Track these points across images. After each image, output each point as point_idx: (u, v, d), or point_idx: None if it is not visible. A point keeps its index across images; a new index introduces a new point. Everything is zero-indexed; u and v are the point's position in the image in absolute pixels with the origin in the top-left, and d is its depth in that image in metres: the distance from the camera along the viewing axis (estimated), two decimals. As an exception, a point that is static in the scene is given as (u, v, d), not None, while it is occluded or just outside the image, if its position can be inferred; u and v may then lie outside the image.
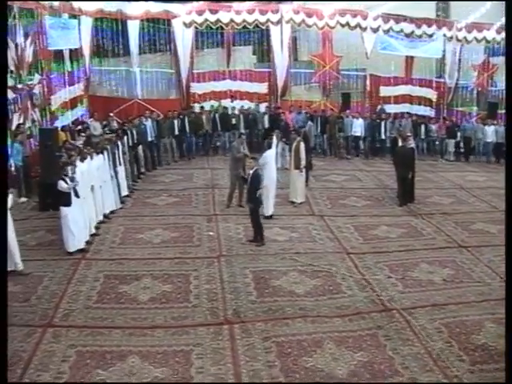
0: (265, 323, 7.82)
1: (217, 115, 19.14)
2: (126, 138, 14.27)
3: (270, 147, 13.02)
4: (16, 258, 9.05)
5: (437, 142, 20.56)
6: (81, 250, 10.11)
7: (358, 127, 19.43)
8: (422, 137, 20.17)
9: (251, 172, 11.09)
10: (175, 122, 17.83)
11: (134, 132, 15.27)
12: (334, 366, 6.85)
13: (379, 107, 22.05)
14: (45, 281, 8.95)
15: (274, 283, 9.10)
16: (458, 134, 20.41)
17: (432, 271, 9.91)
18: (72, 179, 9.95)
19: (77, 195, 10.05)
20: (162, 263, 9.80)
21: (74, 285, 8.84)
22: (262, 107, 20.36)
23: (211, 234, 11.29)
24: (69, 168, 10.21)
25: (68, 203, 9.91)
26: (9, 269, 8.90)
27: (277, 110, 19.95)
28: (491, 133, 20.15)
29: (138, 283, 8.95)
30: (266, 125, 19.16)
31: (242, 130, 18.36)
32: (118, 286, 8.85)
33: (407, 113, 21.07)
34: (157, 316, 7.95)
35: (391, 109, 22.02)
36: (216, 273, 9.44)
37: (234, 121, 19.05)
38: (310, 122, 18.22)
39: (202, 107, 19.63)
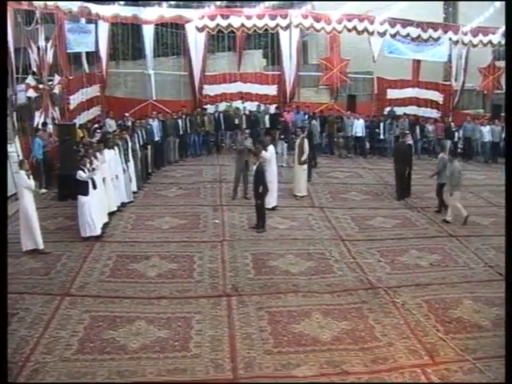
0: (260, 296, 8.64)
1: (221, 115, 20.04)
2: (136, 136, 14.99)
3: (270, 144, 13.75)
4: (37, 237, 9.97)
5: (433, 142, 21.17)
6: (96, 237, 10.86)
7: (359, 127, 20.19)
8: (419, 137, 20.79)
9: (255, 167, 11.91)
10: (179, 122, 18.62)
11: (144, 132, 16.00)
12: (319, 332, 7.64)
13: (389, 109, 22.73)
14: (63, 258, 9.88)
15: (271, 264, 9.93)
16: (456, 134, 21.01)
17: (420, 256, 10.64)
18: (93, 169, 10.79)
19: (94, 186, 10.87)
20: (170, 246, 10.69)
21: (89, 262, 9.76)
22: (272, 109, 21.23)
23: (216, 221, 12.17)
24: (87, 161, 11.03)
25: (86, 193, 10.72)
26: (30, 248, 9.92)
27: (277, 111, 20.92)
28: (487, 132, 20.80)
29: (147, 262, 9.84)
30: (267, 124, 20.02)
31: (242, 131, 19.16)
32: (128, 264, 9.75)
33: (404, 113, 21.75)
34: (163, 289, 8.81)
35: (399, 111, 22.71)
36: (218, 254, 10.31)
37: (236, 121, 19.93)
38: (313, 121, 19.02)
39: (204, 108, 20.63)
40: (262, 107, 21.06)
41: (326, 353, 7.16)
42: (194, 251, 10.43)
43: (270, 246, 10.86)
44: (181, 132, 18.63)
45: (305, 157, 13.90)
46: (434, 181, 16.97)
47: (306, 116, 20.67)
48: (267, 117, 20.42)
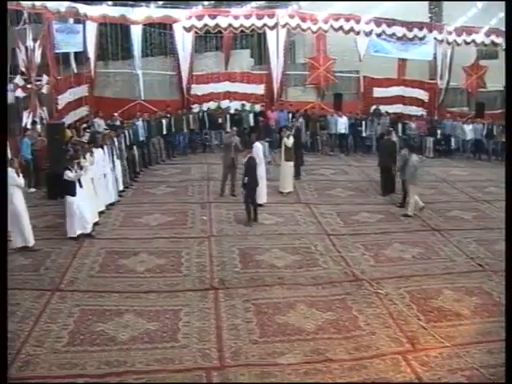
0: (246, 289, 8.86)
1: (205, 115, 20.23)
2: (123, 136, 15.02)
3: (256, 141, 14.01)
4: (27, 234, 10.09)
5: (415, 140, 21.35)
6: (86, 235, 10.93)
7: (342, 125, 20.49)
8: (401, 134, 20.87)
9: (244, 160, 12.19)
10: (163, 122, 18.72)
11: (130, 132, 16.03)
12: (304, 322, 7.87)
13: (374, 107, 23.02)
14: (52, 255, 10.01)
15: (257, 258, 10.16)
16: (438, 131, 21.39)
17: (403, 250, 10.91)
18: (81, 168, 10.89)
19: (81, 185, 10.92)
20: (158, 242, 10.87)
21: (78, 259, 9.92)
22: (257, 107, 21.51)
23: (204, 218, 12.37)
24: (75, 161, 11.12)
25: (73, 193, 10.77)
26: (20, 245, 10.04)
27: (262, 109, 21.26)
28: (469, 131, 21.20)
29: (135, 257, 10.02)
30: (252, 123, 20.32)
31: (228, 129, 19.43)
32: (117, 259, 9.92)
33: (386, 112, 22.17)
34: (151, 283, 8.99)
35: (385, 109, 23.00)
36: (206, 250, 10.52)
37: (220, 120, 20.14)
38: (301, 119, 19.24)
39: (191, 108, 20.93)
40: (247, 106, 21.28)
41: (311, 342, 7.39)
42: (181, 247, 10.61)
43: (256, 241, 11.08)
44: (164, 132, 18.72)
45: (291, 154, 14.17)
46: (420, 177, 17.36)
47: (290, 115, 20.91)
48: (251, 116, 20.67)
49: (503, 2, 9.75)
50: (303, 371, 6.72)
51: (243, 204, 12.32)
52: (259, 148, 13.30)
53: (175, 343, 7.24)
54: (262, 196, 13.23)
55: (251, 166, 12.07)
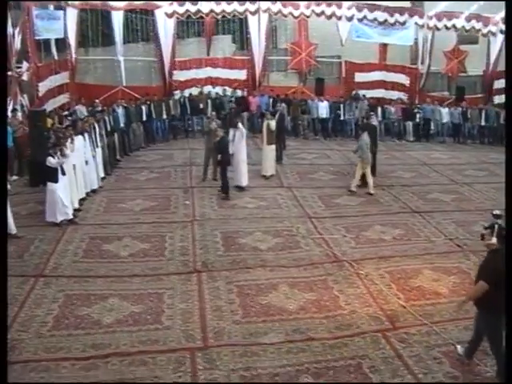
0: (229, 271, 8.99)
1: (186, 100, 20.22)
2: (103, 122, 14.88)
3: (235, 126, 14.03)
4: (10, 223, 10.06)
5: (395, 124, 21.70)
6: (69, 220, 10.95)
7: (323, 109, 20.58)
8: (380, 118, 21.13)
9: (218, 139, 12.74)
10: (143, 108, 18.62)
11: (111, 118, 15.91)
12: (286, 303, 8.03)
13: (354, 92, 23.17)
14: (36, 242, 10.03)
15: (240, 241, 10.28)
16: (418, 115, 21.65)
17: (384, 231, 11.11)
18: (64, 155, 10.87)
19: (63, 173, 10.94)
20: (142, 227, 10.93)
21: (62, 245, 9.94)
22: (239, 93, 21.60)
23: (187, 202, 12.47)
24: (58, 148, 11.09)
25: (55, 180, 10.75)
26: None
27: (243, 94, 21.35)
28: (446, 114, 21.55)
29: (119, 242, 10.08)
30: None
31: (209, 115, 19.45)
32: (101, 245, 9.97)
33: (363, 96, 22.36)
34: (135, 267, 9.08)
35: (367, 94, 23.19)
36: (189, 234, 10.61)
37: (201, 105, 20.14)
38: (283, 104, 19.30)
39: (172, 93, 20.92)
40: (228, 91, 21.29)
41: (292, 321, 7.55)
42: (165, 231, 10.70)
43: (238, 224, 11.20)
44: (144, 118, 18.63)
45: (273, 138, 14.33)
46: (401, 161, 17.69)
47: (271, 99, 20.96)
48: (232, 101, 20.61)
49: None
50: (285, 350, 6.87)
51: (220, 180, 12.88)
52: (243, 131, 13.44)
53: (159, 325, 7.35)
54: (244, 179, 13.43)
55: (223, 145, 12.69)
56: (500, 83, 24.32)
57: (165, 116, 19.57)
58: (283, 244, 10.22)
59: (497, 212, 7.10)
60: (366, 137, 13.67)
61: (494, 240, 6.08)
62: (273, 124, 14.32)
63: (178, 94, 20.95)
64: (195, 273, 8.90)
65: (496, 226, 6.14)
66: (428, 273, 9.19)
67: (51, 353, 6.70)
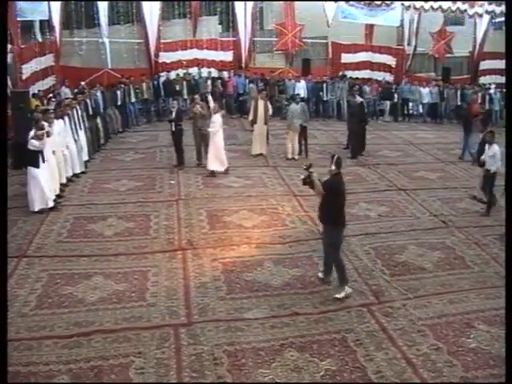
0: (214, 249, 8.96)
1: (160, 83, 20.05)
2: (84, 105, 14.49)
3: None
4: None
5: (370, 104, 21.53)
6: (50, 209, 10.55)
7: (300, 89, 20.23)
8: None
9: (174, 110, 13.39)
10: (118, 92, 18.29)
11: (92, 102, 15.56)
12: (271, 279, 8.02)
13: (340, 73, 23.12)
14: (19, 223, 9.90)
15: (225, 219, 10.25)
16: (395, 95, 21.68)
17: (370, 208, 11.13)
18: (48, 134, 10.60)
19: (43, 160, 10.50)
20: (127, 206, 10.87)
21: (46, 225, 9.84)
22: (215, 73, 21.52)
23: (172, 182, 12.41)
24: (41, 131, 10.77)
25: (37, 165, 10.38)
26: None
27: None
28: (426, 94, 21.58)
29: (104, 222, 10.01)
30: (209, 89, 19.93)
31: (186, 96, 19.55)
32: (86, 225, 9.89)
33: (343, 75, 22.41)
34: (120, 246, 9.01)
35: (353, 75, 23.19)
36: (174, 213, 10.55)
37: (177, 87, 19.98)
38: (251, 85, 19.15)
39: (158, 75, 20.73)
40: (205, 73, 21.16)
41: (277, 297, 7.54)
42: (150, 210, 10.64)
43: (224, 203, 11.17)
44: (119, 102, 18.29)
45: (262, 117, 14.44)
46: (388, 141, 17.70)
47: (247, 80, 20.86)
48: (209, 82, 20.56)
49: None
50: (269, 325, 6.86)
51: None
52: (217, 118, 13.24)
53: (143, 302, 7.31)
54: (225, 163, 13.13)
55: (179, 117, 13.37)
56: (486, 64, 24.52)
57: (134, 99, 19.19)
58: (268, 222, 10.19)
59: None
60: (291, 106, 14.51)
61: (333, 167, 7.86)
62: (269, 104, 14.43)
63: (164, 76, 20.73)
64: (180, 250, 8.86)
65: (335, 157, 7.99)
66: (413, 248, 9.22)
67: (34, 331, 6.63)
